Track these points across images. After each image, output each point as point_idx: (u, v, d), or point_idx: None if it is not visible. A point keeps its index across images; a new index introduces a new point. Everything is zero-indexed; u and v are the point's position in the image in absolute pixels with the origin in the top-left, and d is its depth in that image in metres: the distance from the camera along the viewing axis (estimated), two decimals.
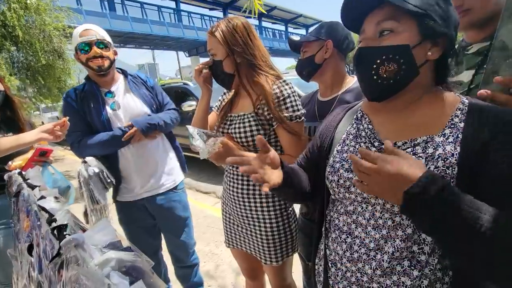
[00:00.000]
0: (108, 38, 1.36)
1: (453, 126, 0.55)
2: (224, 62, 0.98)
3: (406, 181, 0.47)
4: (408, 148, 0.57)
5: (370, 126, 0.65)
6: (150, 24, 15.07)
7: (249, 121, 0.98)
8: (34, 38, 6.22)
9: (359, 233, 0.61)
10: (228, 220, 1.15)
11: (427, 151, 0.54)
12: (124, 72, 1.49)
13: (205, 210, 3.30)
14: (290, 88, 0.97)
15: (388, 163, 0.49)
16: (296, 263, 1.24)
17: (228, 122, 1.06)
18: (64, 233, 0.55)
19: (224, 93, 1.20)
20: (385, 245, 0.56)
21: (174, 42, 18.43)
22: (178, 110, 1.55)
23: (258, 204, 1.02)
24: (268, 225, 1.02)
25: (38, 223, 0.65)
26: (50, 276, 0.52)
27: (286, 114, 0.94)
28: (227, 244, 1.19)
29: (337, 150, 0.68)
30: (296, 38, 1.14)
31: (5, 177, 1.10)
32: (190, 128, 0.87)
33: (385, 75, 0.56)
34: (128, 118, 1.40)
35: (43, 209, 0.68)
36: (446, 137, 0.54)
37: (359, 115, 0.70)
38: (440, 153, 0.52)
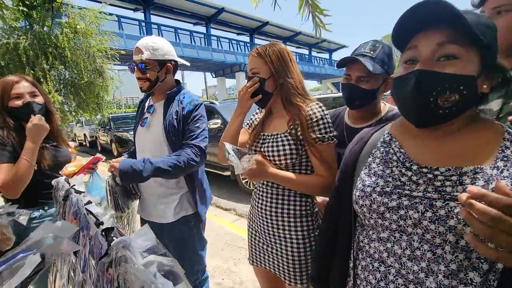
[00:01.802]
0: (155, 56, 1.30)
1: (506, 159, 0.51)
2: (267, 81, 1.03)
3: None
4: (453, 176, 0.53)
5: (402, 150, 0.62)
6: (182, 47, 16.14)
7: (282, 141, 1.01)
8: (79, 58, 6.90)
9: (392, 262, 0.56)
10: (254, 237, 1.16)
11: (477, 183, 0.50)
12: (179, 88, 1.42)
13: (224, 226, 3.30)
14: (322, 110, 1.00)
15: None
16: None
17: (261, 141, 1.09)
18: (111, 235, 0.61)
19: (256, 112, 1.25)
20: (426, 280, 0.52)
21: (203, 64, 19.43)
22: (200, 147, 1.31)
23: (285, 224, 1.03)
24: (295, 245, 1.02)
25: (87, 225, 0.72)
26: (98, 274, 0.57)
27: (318, 135, 0.97)
28: (250, 261, 1.19)
29: (364, 173, 0.65)
30: (368, 66, 0.98)
31: (53, 182, 1.21)
32: (227, 145, 0.92)
33: (443, 104, 0.53)
34: (148, 139, 1.40)
35: (91, 213, 0.76)
36: (500, 170, 0.50)
37: (386, 138, 0.67)
38: (494, 188, 0.44)
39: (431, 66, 0.54)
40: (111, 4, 15.04)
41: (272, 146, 1.02)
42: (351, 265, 0.68)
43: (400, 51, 0.63)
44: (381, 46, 1.05)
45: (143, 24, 15.54)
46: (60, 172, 1.31)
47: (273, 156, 1.01)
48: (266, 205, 1.07)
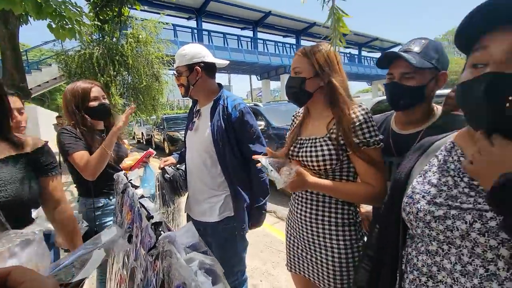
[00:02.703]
0: (183, 62, 1.38)
1: None
2: (308, 80, 1.01)
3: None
4: None
5: (462, 159, 0.60)
6: (229, 51, 16.79)
7: (321, 145, 0.97)
8: (140, 65, 7.66)
9: (443, 277, 0.54)
10: (292, 243, 1.13)
11: None
12: (221, 92, 1.47)
13: (264, 228, 3.31)
14: (366, 113, 0.95)
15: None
16: None
17: (298, 146, 1.06)
18: (160, 229, 0.66)
19: (294, 116, 1.21)
20: None
21: (249, 67, 19.92)
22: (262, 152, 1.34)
23: (327, 232, 0.99)
24: (336, 255, 0.98)
25: (140, 217, 0.79)
26: (147, 264, 0.63)
27: (363, 140, 0.92)
28: (288, 267, 1.17)
29: (417, 181, 0.63)
30: (411, 59, 0.90)
31: (114, 176, 1.37)
32: (263, 160, 0.91)
33: None
34: (196, 142, 1.45)
35: (143, 206, 0.83)
36: None
37: (448, 146, 0.64)
38: None
39: (502, 68, 0.50)
40: (167, 14, 16.40)
41: (310, 151, 0.99)
42: (398, 278, 0.66)
43: (464, 53, 0.58)
44: (428, 41, 0.97)
45: (195, 31, 16.58)
46: (120, 165, 1.48)
47: (311, 161, 0.98)
48: (306, 211, 1.04)
